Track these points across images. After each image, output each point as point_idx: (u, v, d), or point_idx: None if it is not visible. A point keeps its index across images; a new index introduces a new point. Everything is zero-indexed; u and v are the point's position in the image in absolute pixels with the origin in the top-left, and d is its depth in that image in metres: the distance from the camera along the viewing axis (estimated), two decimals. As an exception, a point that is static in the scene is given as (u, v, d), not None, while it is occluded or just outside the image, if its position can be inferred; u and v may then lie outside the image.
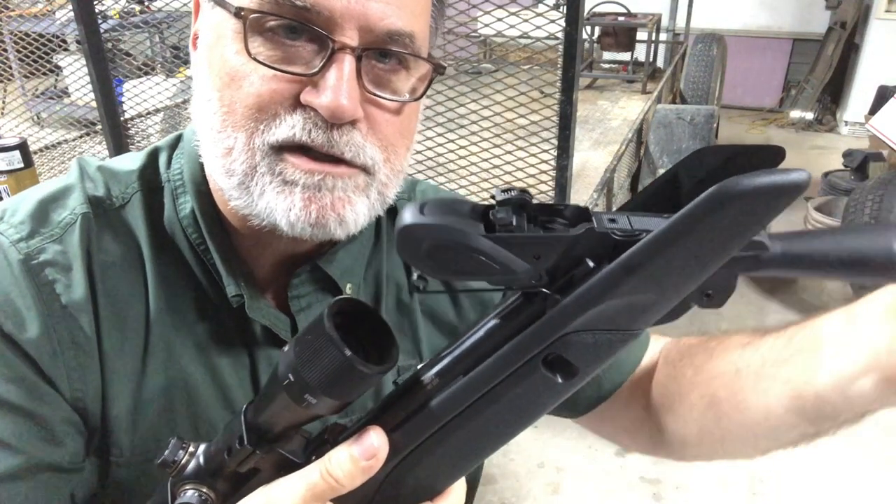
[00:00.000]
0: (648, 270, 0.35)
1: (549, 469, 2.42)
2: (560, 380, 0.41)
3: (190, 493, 0.49)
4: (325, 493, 0.43)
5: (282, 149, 0.54)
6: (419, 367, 0.46)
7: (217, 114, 0.55)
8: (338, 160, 0.55)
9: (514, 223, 0.36)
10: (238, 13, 0.52)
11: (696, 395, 0.67)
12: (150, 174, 0.65)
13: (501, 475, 2.39)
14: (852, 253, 0.39)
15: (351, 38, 0.52)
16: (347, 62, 0.52)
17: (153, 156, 0.67)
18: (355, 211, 0.56)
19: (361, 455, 0.43)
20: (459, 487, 0.48)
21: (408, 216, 0.36)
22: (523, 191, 0.37)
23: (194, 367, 0.63)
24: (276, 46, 0.53)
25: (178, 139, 0.67)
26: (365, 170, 0.56)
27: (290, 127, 0.53)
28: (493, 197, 0.37)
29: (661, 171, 3.03)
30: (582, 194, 2.46)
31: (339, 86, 0.51)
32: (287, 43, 0.52)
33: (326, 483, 0.43)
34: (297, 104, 0.53)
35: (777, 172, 0.32)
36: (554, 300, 0.38)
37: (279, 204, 0.54)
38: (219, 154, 0.55)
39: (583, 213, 0.38)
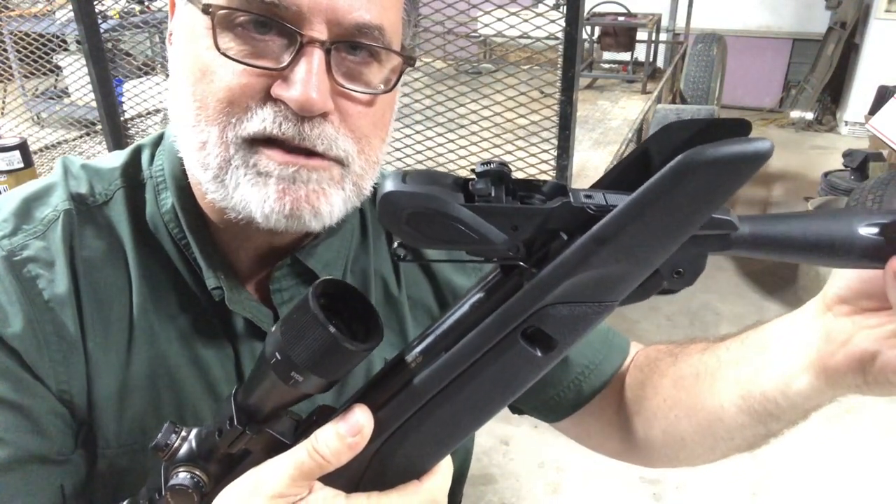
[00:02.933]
0: (620, 241, 0.36)
1: (549, 469, 2.42)
2: (539, 353, 0.41)
3: (182, 475, 0.49)
4: (312, 471, 0.44)
5: (255, 142, 0.55)
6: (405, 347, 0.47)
7: (191, 108, 0.56)
8: (311, 153, 0.55)
9: (493, 194, 0.37)
10: (206, 9, 0.53)
11: (660, 399, 0.70)
12: (132, 171, 0.66)
13: (501, 475, 2.39)
14: (817, 237, 0.40)
15: (319, 31, 0.53)
16: (316, 56, 0.53)
17: (136, 153, 0.68)
18: (330, 203, 0.57)
19: (347, 432, 0.43)
20: (446, 466, 0.49)
21: (389, 184, 0.36)
22: (502, 164, 0.38)
23: (179, 360, 0.64)
24: (246, 41, 0.53)
25: (161, 136, 0.68)
26: (339, 162, 0.57)
27: (262, 120, 0.53)
28: (473, 170, 0.38)
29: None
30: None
31: (308, 79, 0.52)
32: (256, 38, 0.53)
33: (314, 461, 0.43)
34: (267, 98, 0.54)
35: (741, 142, 0.33)
36: (530, 274, 0.39)
37: (254, 196, 0.55)
38: (194, 148, 0.56)
39: (560, 189, 0.39)
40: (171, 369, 0.64)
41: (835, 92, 6.14)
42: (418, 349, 0.45)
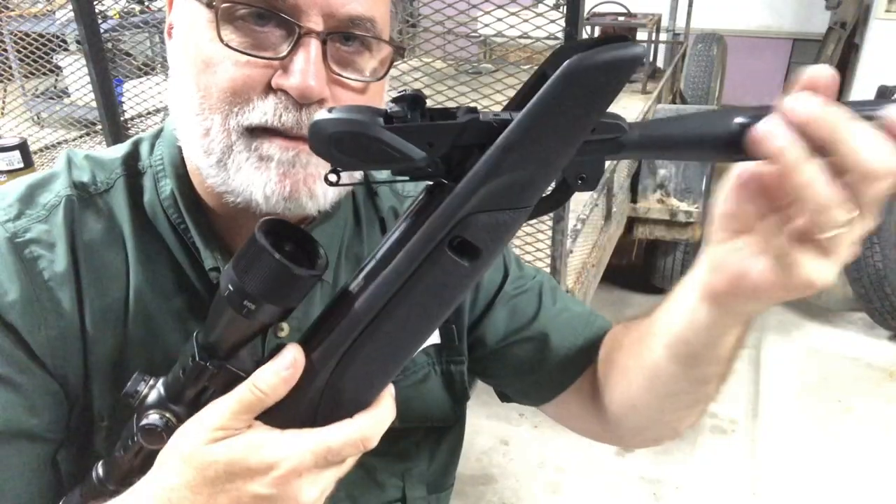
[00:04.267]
0: (522, 146, 0.41)
1: (549, 469, 2.42)
2: (466, 263, 0.45)
3: (153, 416, 0.52)
4: (252, 405, 0.48)
5: (255, 131, 0.58)
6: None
7: (195, 98, 0.59)
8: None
9: (409, 116, 0.41)
10: (210, 3, 0.56)
11: (616, 370, 0.73)
12: (132, 161, 0.69)
13: (501, 475, 2.39)
14: (702, 134, 0.44)
15: (316, 23, 0.56)
16: (313, 46, 0.56)
17: (136, 145, 0.71)
18: (324, 186, 0.59)
19: (281, 366, 0.48)
20: (384, 404, 0.52)
21: (318, 114, 0.41)
22: (417, 91, 0.42)
23: (174, 340, 0.66)
24: (247, 33, 0.57)
25: (161, 130, 0.71)
26: None
27: (263, 113, 0.57)
28: (391, 100, 0.42)
29: (661, 171, 3.04)
30: (582, 195, 2.45)
31: (306, 68, 0.55)
32: (256, 30, 0.56)
33: (253, 395, 0.48)
34: (268, 89, 0.57)
35: (615, 47, 0.39)
36: (450, 188, 0.43)
37: (256, 179, 0.58)
38: (198, 135, 0.59)
39: (471, 111, 0.43)
40: (166, 349, 0.65)
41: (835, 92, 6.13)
42: (361, 275, 0.48)
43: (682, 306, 0.58)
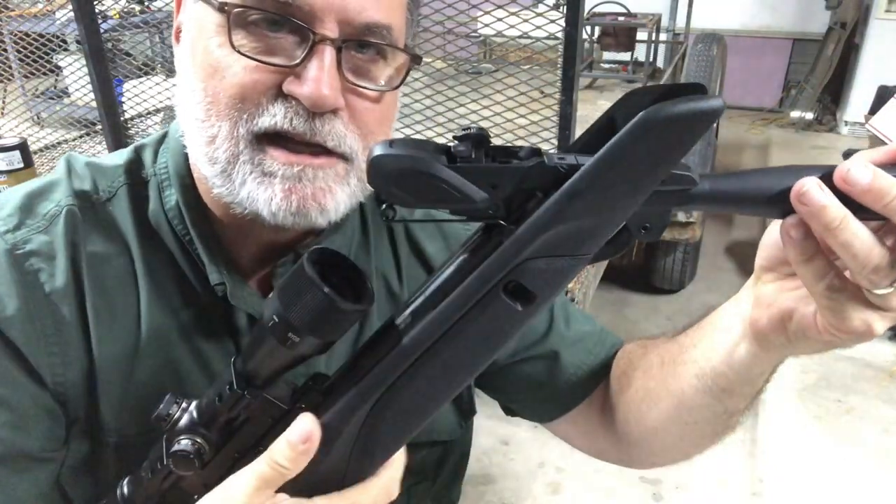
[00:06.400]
0: (589, 195, 0.40)
1: (549, 469, 2.42)
2: (520, 307, 0.43)
3: (184, 441, 0.51)
4: (274, 479, 0.47)
5: (263, 139, 0.56)
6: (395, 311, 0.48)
7: (201, 104, 0.56)
8: (318, 150, 0.57)
9: (473, 156, 0.40)
10: (222, 7, 0.54)
11: (632, 391, 0.72)
12: (135, 168, 0.67)
13: (501, 475, 2.39)
14: (779, 191, 0.42)
15: (331, 30, 0.54)
16: (328, 53, 0.54)
17: (138, 151, 0.69)
18: (336, 199, 0.58)
19: (298, 440, 0.46)
20: (399, 457, 0.51)
21: (378, 149, 0.39)
22: (481, 129, 0.40)
23: (182, 354, 0.65)
24: (259, 39, 0.55)
25: (164, 135, 0.69)
26: (344, 158, 0.58)
27: (272, 116, 0.55)
28: (454, 136, 0.41)
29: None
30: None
31: (320, 76, 0.53)
32: (269, 35, 0.55)
33: (273, 470, 0.46)
34: (279, 94, 0.55)
35: (694, 99, 0.37)
36: (510, 230, 0.42)
37: (260, 194, 0.56)
38: (203, 143, 0.57)
39: (535, 153, 0.41)
40: (174, 364, 0.64)
41: (835, 92, 6.13)
42: (408, 311, 0.46)
43: (723, 342, 0.57)
